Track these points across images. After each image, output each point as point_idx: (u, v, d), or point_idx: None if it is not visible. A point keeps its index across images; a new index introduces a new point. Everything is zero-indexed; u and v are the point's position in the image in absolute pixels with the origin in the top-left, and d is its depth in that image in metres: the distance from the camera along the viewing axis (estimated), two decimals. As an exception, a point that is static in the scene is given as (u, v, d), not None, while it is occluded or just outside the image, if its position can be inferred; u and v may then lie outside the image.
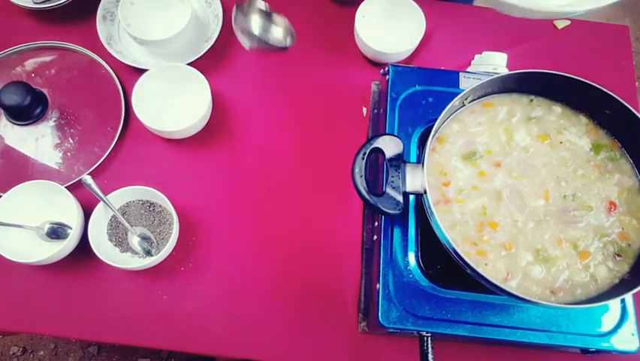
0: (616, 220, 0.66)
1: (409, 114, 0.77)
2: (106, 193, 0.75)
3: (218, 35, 0.89)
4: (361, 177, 0.63)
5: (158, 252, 0.75)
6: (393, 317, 0.65)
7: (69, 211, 0.75)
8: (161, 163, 0.84)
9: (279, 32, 0.79)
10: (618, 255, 0.64)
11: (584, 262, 0.64)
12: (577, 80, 0.67)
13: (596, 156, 0.69)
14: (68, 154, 0.82)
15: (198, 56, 0.87)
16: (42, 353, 1.55)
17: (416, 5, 0.89)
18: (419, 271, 0.68)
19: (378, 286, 0.68)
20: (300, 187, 0.83)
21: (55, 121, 0.83)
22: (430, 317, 0.66)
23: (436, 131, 0.66)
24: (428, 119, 0.76)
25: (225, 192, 0.83)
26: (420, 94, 0.78)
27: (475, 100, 0.72)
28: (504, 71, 0.81)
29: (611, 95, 0.66)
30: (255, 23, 0.78)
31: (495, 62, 0.82)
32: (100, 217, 0.76)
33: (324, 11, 0.96)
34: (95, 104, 0.86)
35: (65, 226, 0.77)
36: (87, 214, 0.75)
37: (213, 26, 0.91)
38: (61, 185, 0.76)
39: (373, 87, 0.89)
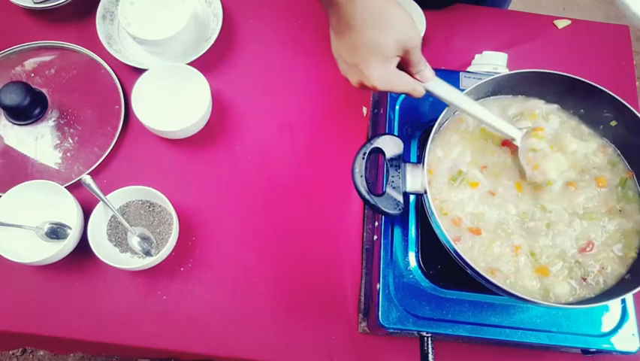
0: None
1: (409, 114, 0.77)
2: (106, 193, 0.75)
3: (218, 35, 0.89)
4: (361, 177, 0.63)
5: (158, 252, 0.75)
6: (393, 318, 0.65)
7: (69, 211, 0.75)
8: (161, 163, 0.84)
9: None
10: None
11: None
12: (577, 79, 0.67)
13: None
14: (68, 154, 0.82)
15: (198, 56, 0.87)
16: (42, 353, 1.55)
17: (416, 5, 0.89)
18: (419, 271, 0.68)
19: (378, 286, 0.68)
20: (299, 187, 0.83)
21: (54, 121, 0.83)
22: (430, 318, 0.66)
23: (435, 133, 0.65)
24: (428, 119, 0.76)
25: (225, 192, 0.83)
26: (420, 94, 0.78)
27: (475, 100, 0.72)
28: (504, 70, 0.81)
29: (612, 96, 0.66)
30: None
31: (495, 62, 0.82)
32: (99, 217, 0.76)
33: (324, 11, 0.96)
34: (95, 104, 0.86)
35: (65, 226, 0.77)
36: (87, 214, 0.75)
37: (213, 26, 0.90)
38: (61, 185, 0.75)
39: (373, 87, 0.89)
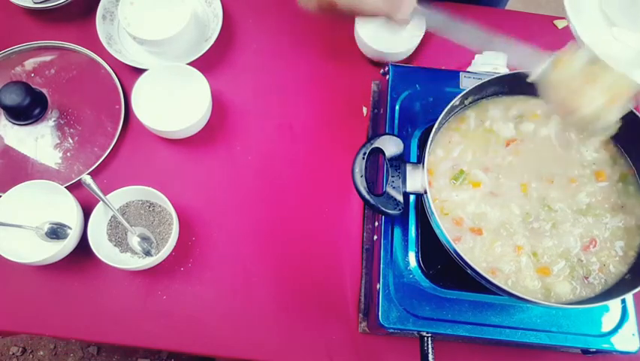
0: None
1: (409, 114, 0.77)
2: (106, 193, 0.75)
3: (218, 35, 0.89)
4: (361, 177, 0.63)
5: (158, 252, 0.75)
6: (393, 318, 0.65)
7: (69, 211, 0.75)
8: (161, 163, 0.84)
9: None
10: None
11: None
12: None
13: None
14: (68, 154, 0.82)
15: (198, 56, 0.86)
16: (42, 353, 1.55)
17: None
18: (419, 271, 0.68)
19: (378, 286, 0.68)
20: (299, 187, 0.83)
21: (54, 121, 0.83)
22: (430, 318, 0.66)
23: (436, 132, 0.65)
24: (428, 119, 0.76)
25: (225, 192, 0.83)
26: (420, 94, 0.78)
27: (474, 101, 0.72)
28: (504, 70, 0.81)
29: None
30: None
31: (495, 62, 0.82)
32: (99, 217, 0.76)
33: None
34: (95, 104, 0.86)
35: (65, 226, 0.77)
36: (87, 214, 0.75)
37: (213, 26, 0.90)
38: (61, 185, 0.75)
39: (373, 87, 0.89)
